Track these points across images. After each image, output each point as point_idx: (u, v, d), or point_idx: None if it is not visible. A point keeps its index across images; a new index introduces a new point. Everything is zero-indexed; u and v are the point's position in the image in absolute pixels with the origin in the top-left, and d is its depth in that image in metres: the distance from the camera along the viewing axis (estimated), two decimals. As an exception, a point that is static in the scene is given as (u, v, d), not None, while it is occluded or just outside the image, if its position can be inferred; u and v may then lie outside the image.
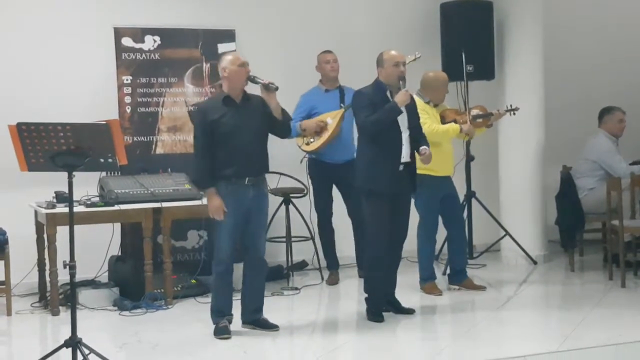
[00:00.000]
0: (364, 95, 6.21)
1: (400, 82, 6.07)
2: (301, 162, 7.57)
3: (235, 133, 5.69)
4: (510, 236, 8.25)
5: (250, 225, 5.83)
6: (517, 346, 5.68)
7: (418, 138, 6.22)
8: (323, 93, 7.46)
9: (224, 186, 5.73)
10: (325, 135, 7.26)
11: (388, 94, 6.16)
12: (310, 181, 7.60)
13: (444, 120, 6.93)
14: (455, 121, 6.93)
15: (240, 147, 5.69)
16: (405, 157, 6.12)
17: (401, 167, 6.12)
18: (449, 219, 7.12)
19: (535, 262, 8.22)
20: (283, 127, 5.92)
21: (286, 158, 7.71)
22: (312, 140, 7.36)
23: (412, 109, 6.21)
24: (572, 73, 9.20)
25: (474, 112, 7.09)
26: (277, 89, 5.78)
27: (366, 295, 6.28)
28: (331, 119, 7.26)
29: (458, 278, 7.13)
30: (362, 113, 6.13)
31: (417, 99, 6.57)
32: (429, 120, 6.68)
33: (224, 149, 5.70)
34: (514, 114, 7.24)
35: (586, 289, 7.26)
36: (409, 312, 6.35)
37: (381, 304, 6.28)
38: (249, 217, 5.81)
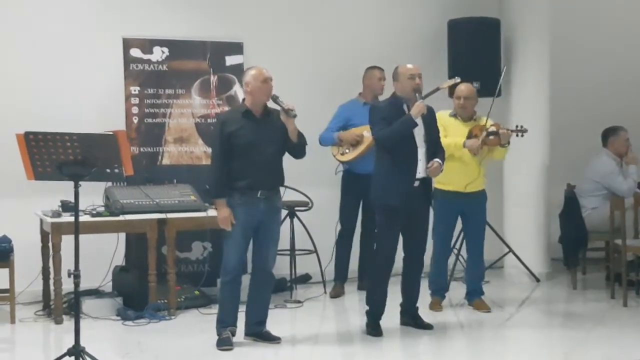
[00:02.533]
0: (378, 109, 6.27)
1: (416, 95, 6.07)
2: (336, 173, 7.63)
3: (251, 146, 5.74)
4: (514, 253, 8.25)
5: (259, 238, 5.87)
6: (519, 363, 5.72)
7: (436, 152, 6.22)
8: (361, 106, 7.52)
9: (237, 197, 5.77)
10: (361, 148, 7.38)
11: (405, 107, 6.17)
12: (341, 193, 7.67)
13: (470, 135, 6.82)
14: (475, 136, 6.79)
15: (255, 160, 5.73)
16: (421, 172, 6.13)
17: (417, 183, 6.14)
18: (465, 237, 7.16)
19: (538, 280, 8.23)
20: (297, 150, 5.94)
21: (291, 171, 7.73)
22: (347, 151, 7.49)
23: (430, 122, 6.19)
24: (578, 91, 9.21)
25: (491, 129, 6.90)
26: (295, 116, 5.79)
27: (367, 308, 6.30)
28: (367, 132, 7.32)
29: (469, 297, 7.11)
30: (376, 126, 6.18)
31: (442, 112, 6.61)
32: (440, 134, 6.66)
33: (239, 161, 5.75)
34: (522, 135, 6.99)
35: (588, 308, 7.27)
36: (428, 327, 6.35)
37: (380, 318, 6.28)
38: (259, 230, 5.84)
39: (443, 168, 6.18)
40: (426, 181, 6.20)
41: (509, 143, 6.81)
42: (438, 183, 6.67)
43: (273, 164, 5.85)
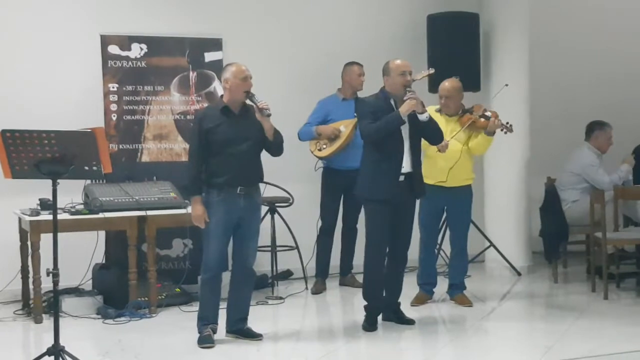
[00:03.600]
0: (365, 103, 6.28)
1: (407, 91, 6.05)
2: (316, 169, 7.63)
3: (229, 142, 5.72)
4: (495, 247, 8.28)
5: (239, 235, 5.85)
6: (501, 357, 5.74)
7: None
8: (340, 101, 7.54)
9: (215, 194, 5.75)
10: (338, 143, 7.36)
11: (392, 102, 6.17)
12: (321, 189, 7.66)
13: (470, 110, 6.85)
14: (474, 112, 6.82)
15: (234, 156, 5.71)
16: (406, 167, 6.13)
17: (402, 177, 6.13)
18: (450, 231, 7.16)
19: (519, 273, 8.25)
20: (274, 148, 5.92)
21: (272, 167, 7.72)
22: (324, 146, 7.49)
23: (416, 117, 6.16)
24: (557, 85, 9.26)
25: (488, 113, 6.86)
26: (270, 115, 5.77)
27: (365, 303, 6.30)
28: (344, 127, 7.36)
29: (451, 292, 7.10)
30: (364, 120, 6.17)
31: (429, 108, 6.59)
32: None
33: (217, 157, 5.73)
34: (506, 132, 6.92)
35: (569, 301, 7.29)
36: (410, 322, 6.36)
37: (378, 313, 6.30)
38: (239, 226, 5.82)
39: (426, 109, 6.17)
40: (412, 176, 6.17)
41: (493, 134, 6.78)
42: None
43: (252, 160, 5.83)
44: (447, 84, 6.91)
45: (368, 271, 6.29)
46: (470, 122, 6.79)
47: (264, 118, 5.77)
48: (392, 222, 6.18)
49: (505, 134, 6.92)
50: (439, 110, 6.88)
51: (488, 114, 6.81)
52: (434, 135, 6.30)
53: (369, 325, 6.22)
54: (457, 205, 6.93)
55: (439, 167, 6.74)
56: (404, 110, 6.02)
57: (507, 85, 7.21)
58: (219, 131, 5.73)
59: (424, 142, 6.43)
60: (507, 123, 6.86)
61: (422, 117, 6.10)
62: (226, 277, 5.99)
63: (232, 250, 5.97)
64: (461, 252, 7.05)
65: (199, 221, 5.77)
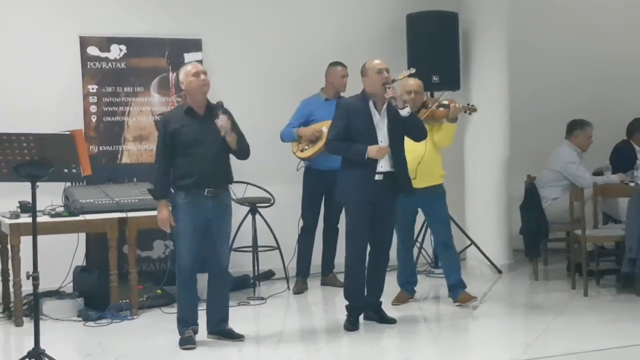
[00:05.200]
0: (342, 106, 6.32)
1: (387, 88, 6.05)
2: (297, 169, 7.62)
3: (194, 144, 5.70)
4: (476, 245, 8.31)
5: (210, 237, 5.83)
6: (481, 354, 5.76)
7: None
8: (323, 102, 7.54)
9: (183, 196, 5.74)
10: (320, 144, 7.32)
11: (371, 104, 6.18)
12: (303, 189, 7.66)
13: (424, 105, 6.77)
14: (427, 106, 6.75)
15: (200, 158, 5.69)
16: (385, 167, 6.13)
17: (379, 177, 6.13)
18: (431, 232, 7.08)
19: (500, 271, 8.29)
20: (239, 155, 5.89)
21: (253, 168, 7.73)
22: (306, 147, 7.48)
23: (397, 118, 6.14)
24: (537, 84, 9.30)
25: (444, 102, 6.81)
26: (225, 135, 5.70)
27: (347, 302, 6.32)
28: (326, 127, 7.30)
29: (452, 293, 6.94)
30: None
31: None
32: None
33: (184, 159, 5.72)
34: (470, 113, 6.98)
35: (550, 298, 7.32)
36: (392, 321, 6.37)
37: (360, 312, 6.32)
38: (209, 228, 5.80)
39: (407, 105, 6.15)
40: (394, 175, 6.17)
41: (456, 120, 6.73)
42: None
43: (219, 161, 5.79)
44: (412, 81, 6.81)
45: (349, 271, 6.30)
46: (427, 115, 6.69)
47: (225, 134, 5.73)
48: (373, 220, 6.20)
49: (470, 115, 6.95)
50: None
51: (445, 102, 6.76)
52: (416, 131, 6.26)
53: (351, 324, 6.23)
54: (431, 206, 6.86)
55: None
56: (372, 154, 6.03)
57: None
58: (184, 132, 5.71)
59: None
60: (469, 104, 6.85)
61: (404, 113, 6.09)
62: (203, 278, 5.98)
63: (206, 253, 5.94)
64: (447, 249, 6.97)
65: (164, 225, 5.79)
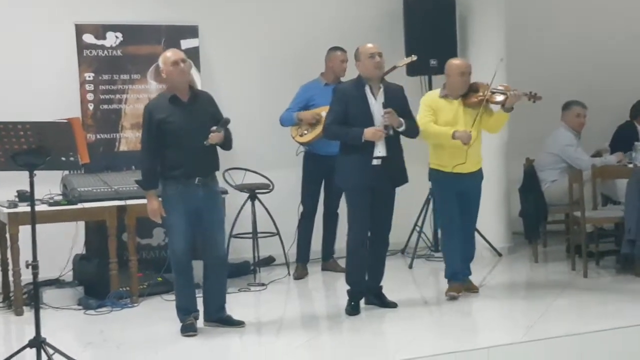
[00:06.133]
0: (340, 91, 6.33)
1: (384, 120, 6.05)
2: (297, 154, 7.59)
3: (182, 133, 5.68)
4: (475, 229, 8.28)
5: (203, 225, 5.82)
6: (483, 337, 5.78)
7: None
8: (323, 87, 7.51)
9: (173, 186, 5.73)
10: (319, 128, 7.25)
11: (367, 89, 6.18)
12: (302, 174, 7.64)
13: (475, 88, 6.52)
14: (477, 91, 6.50)
15: (189, 147, 5.67)
16: (381, 151, 6.14)
17: (377, 162, 6.14)
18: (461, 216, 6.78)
19: (500, 254, 8.29)
20: (222, 147, 5.88)
21: (252, 154, 7.74)
22: (305, 132, 7.46)
23: (393, 102, 6.16)
24: (535, 67, 9.25)
25: (499, 88, 6.48)
26: (209, 144, 5.71)
27: (348, 287, 6.33)
28: (325, 112, 7.30)
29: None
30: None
31: (431, 93, 6.62)
32: (425, 118, 6.48)
33: (172, 149, 5.70)
34: (534, 101, 6.55)
35: (550, 280, 7.33)
36: (393, 305, 6.37)
37: (361, 297, 6.33)
38: (201, 216, 5.79)
39: (402, 122, 6.12)
40: (389, 160, 6.17)
41: (512, 109, 6.48)
42: (432, 164, 6.61)
43: (207, 149, 5.75)
44: (458, 61, 6.66)
45: (350, 256, 6.31)
46: (484, 102, 6.44)
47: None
48: (372, 206, 6.21)
49: (534, 104, 6.54)
50: (445, 95, 6.55)
51: (501, 88, 6.47)
52: (411, 135, 6.31)
53: (352, 309, 6.24)
54: (467, 191, 6.60)
55: (454, 151, 6.41)
56: (368, 136, 6.04)
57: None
58: (170, 122, 5.68)
59: (430, 137, 6.47)
60: (532, 92, 6.51)
61: (401, 129, 6.16)
62: (198, 265, 5.97)
63: (200, 242, 5.94)
64: (470, 239, 6.78)
65: (155, 216, 5.78)
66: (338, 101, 6.24)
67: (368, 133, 6.05)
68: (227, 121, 5.79)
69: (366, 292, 6.40)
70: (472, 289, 6.77)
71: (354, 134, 6.10)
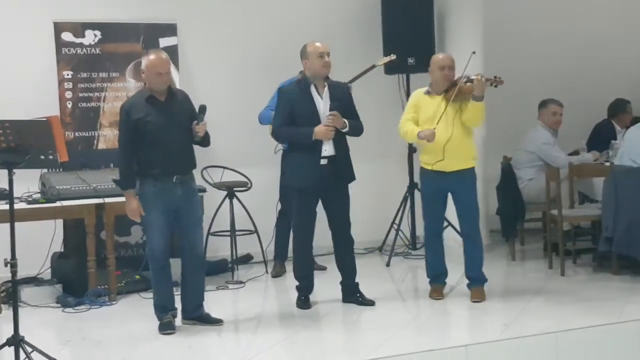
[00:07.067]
0: (284, 93, 6.32)
1: (328, 118, 6.08)
2: (275, 152, 7.56)
3: (160, 132, 5.68)
4: (453, 226, 8.29)
5: (182, 223, 5.84)
6: (459, 335, 5.80)
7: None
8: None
9: (151, 184, 5.73)
10: None
11: (312, 88, 6.19)
12: (280, 172, 7.57)
13: (454, 84, 6.29)
14: (455, 84, 6.27)
15: (167, 146, 5.68)
16: (329, 150, 6.16)
17: (324, 161, 6.16)
18: (459, 220, 6.65)
19: (477, 252, 8.31)
20: (201, 144, 5.91)
21: (230, 152, 7.74)
22: None
23: (338, 100, 6.19)
24: (512, 65, 9.28)
25: (472, 76, 6.27)
26: (198, 138, 5.79)
27: (297, 283, 6.43)
28: None
29: (469, 284, 6.57)
30: (277, 118, 6.27)
31: (417, 91, 6.51)
32: (404, 116, 6.44)
33: (150, 147, 5.69)
34: (496, 86, 6.30)
35: (527, 278, 7.38)
36: (370, 303, 6.39)
37: (310, 291, 6.45)
38: (180, 215, 5.80)
39: (346, 123, 6.12)
40: (337, 159, 6.20)
41: (482, 98, 6.19)
42: (420, 162, 6.52)
43: (185, 148, 5.80)
44: (442, 56, 6.55)
45: (296, 254, 6.44)
46: (456, 93, 6.23)
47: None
48: (326, 206, 6.29)
49: (496, 88, 6.36)
50: (428, 92, 6.42)
51: (472, 77, 6.28)
52: (355, 134, 6.31)
53: (303, 303, 6.36)
54: (461, 192, 6.40)
55: (432, 147, 6.25)
56: (319, 135, 6.08)
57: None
58: (148, 121, 5.68)
59: (404, 136, 6.47)
60: (495, 76, 6.29)
61: (345, 130, 6.18)
62: (176, 263, 5.98)
63: (178, 240, 5.94)
64: (474, 242, 6.48)
65: (134, 215, 5.78)
66: (283, 105, 6.24)
67: (319, 133, 6.07)
68: (204, 108, 5.80)
69: (343, 290, 6.46)
70: (479, 298, 6.42)
71: (305, 133, 6.10)
